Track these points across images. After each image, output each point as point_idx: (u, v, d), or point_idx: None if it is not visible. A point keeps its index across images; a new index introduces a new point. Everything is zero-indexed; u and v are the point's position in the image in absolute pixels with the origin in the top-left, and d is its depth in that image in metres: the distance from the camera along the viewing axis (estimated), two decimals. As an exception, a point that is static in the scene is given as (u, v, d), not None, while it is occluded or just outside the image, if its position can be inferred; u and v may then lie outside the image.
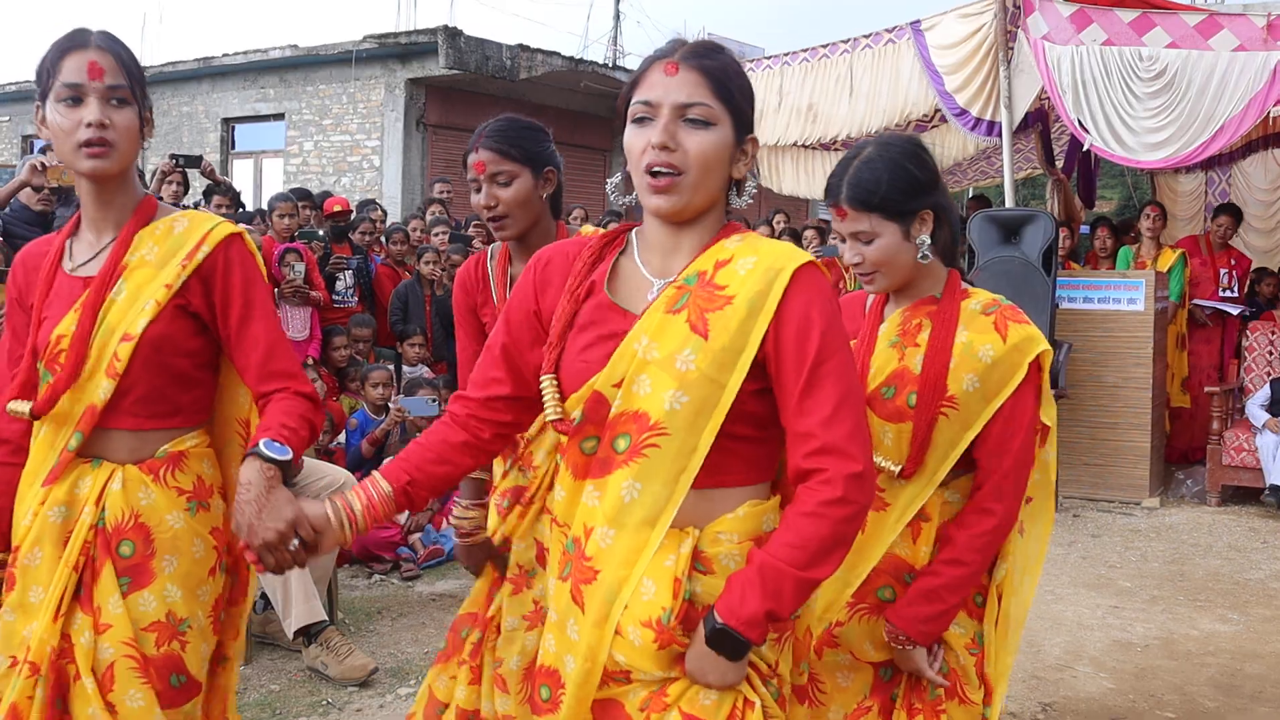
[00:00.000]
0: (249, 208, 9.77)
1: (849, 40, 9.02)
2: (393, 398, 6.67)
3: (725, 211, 1.92)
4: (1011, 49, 8.06)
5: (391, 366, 7.40)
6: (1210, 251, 9.28)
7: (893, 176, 2.27)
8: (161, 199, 7.73)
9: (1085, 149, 7.97)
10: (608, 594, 1.80)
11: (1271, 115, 7.42)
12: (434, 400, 6.15)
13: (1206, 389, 8.44)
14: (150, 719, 2.21)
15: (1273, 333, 8.44)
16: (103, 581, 2.24)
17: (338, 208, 8.58)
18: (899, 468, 2.29)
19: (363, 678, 4.35)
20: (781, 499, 1.90)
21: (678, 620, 1.77)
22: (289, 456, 2.14)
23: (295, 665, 4.54)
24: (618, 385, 1.82)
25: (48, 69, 2.23)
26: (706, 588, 1.79)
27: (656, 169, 1.80)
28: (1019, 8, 8.02)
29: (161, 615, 2.26)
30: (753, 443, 1.83)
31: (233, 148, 16.54)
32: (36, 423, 2.32)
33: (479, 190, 2.74)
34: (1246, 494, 8.00)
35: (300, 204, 8.12)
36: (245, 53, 15.77)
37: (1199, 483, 8.25)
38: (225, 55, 15.94)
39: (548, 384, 1.89)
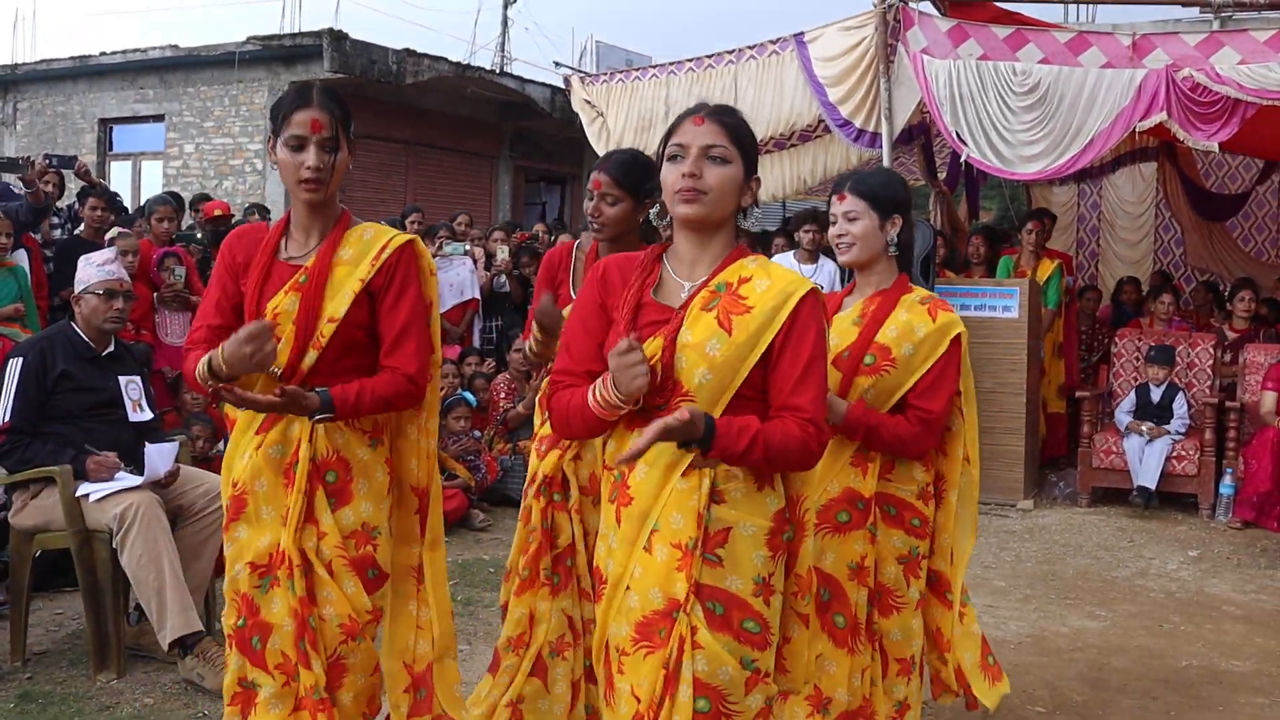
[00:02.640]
0: (129, 211, 9.52)
1: (734, 51, 9.10)
2: None
3: (736, 231, 2.51)
4: (892, 62, 8.20)
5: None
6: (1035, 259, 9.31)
7: (884, 182, 3.15)
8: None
9: (963, 160, 8.16)
10: (639, 518, 2.41)
11: (1137, 130, 7.66)
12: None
13: (1077, 394, 8.72)
14: (361, 599, 2.96)
15: (1139, 340, 8.74)
16: (318, 501, 2.92)
17: (218, 212, 8.42)
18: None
19: (241, 689, 4.30)
20: None
21: (700, 548, 2.35)
22: (328, 399, 2.84)
23: (170, 678, 4.44)
24: (667, 362, 2.37)
25: (282, 117, 2.87)
26: (718, 514, 2.38)
27: (686, 189, 2.40)
28: (899, 22, 8.17)
29: (359, 525, 2.96)
30: (757, 402, 2.41)
31: (110, 149, 16.07)
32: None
33: (591, 199, 3.49)
34: (1115, 495, 8.28)
35: (178, 208, 7.95)
36: (124, 52, 15.34)
37: (1070, 485, 8.53)
38: (103, 54, 15.50)
39: None
